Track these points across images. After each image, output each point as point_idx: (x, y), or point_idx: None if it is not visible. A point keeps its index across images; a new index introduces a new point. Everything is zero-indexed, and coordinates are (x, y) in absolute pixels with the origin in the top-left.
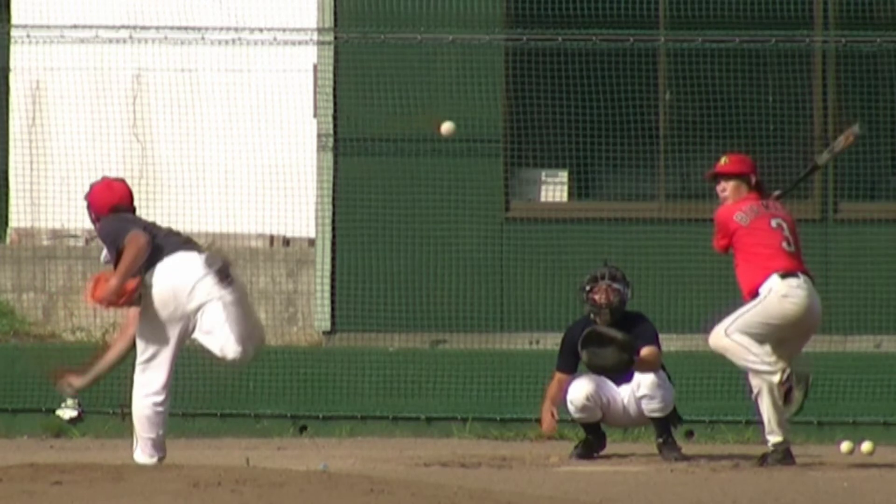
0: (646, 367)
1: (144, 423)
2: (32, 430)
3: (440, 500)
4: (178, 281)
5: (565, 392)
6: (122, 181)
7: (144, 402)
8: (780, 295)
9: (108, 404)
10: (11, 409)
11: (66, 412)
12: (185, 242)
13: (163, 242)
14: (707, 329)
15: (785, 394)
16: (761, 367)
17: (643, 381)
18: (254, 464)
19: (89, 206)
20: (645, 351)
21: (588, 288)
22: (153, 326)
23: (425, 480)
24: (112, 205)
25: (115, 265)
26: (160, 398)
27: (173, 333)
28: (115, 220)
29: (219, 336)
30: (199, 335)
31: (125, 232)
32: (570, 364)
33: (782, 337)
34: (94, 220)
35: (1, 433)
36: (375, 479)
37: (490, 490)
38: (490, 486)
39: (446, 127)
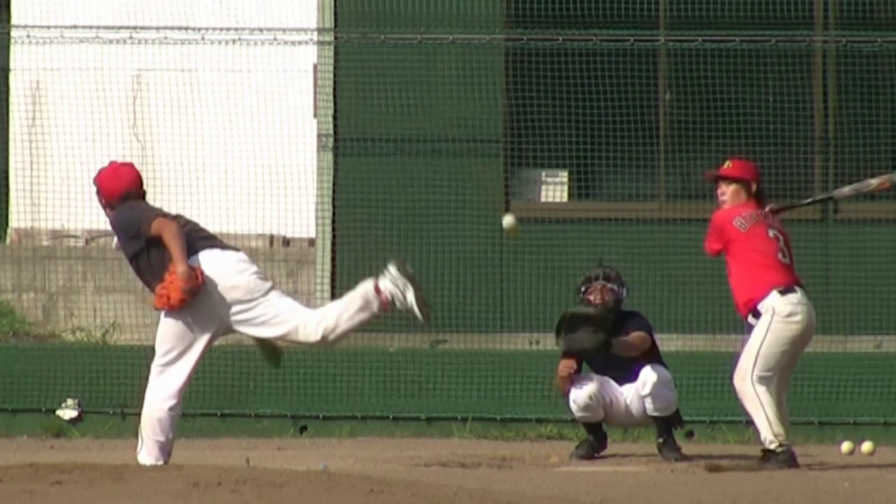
0: (629, 347)
1: (155, 425)
2: (32, 430)
3: (440, 500)
4: (214, 277)
5: (568, 392)
6: (131, 165)
7: (159, 406)
8: (784, 315)
9: (108, 404)
10: (11, 409)
11: (67, 412)
12: (207, 238)
13: (188, 236)
14: (708, 329)
15: (766, 460)
16: (768, 428)
17: (647, 380)
18: (254, 464)
19: (99, 192)
20: (633, 335)
21: (583, 289)
22: (180, 326)
23: (425, 480)
24: (123, 191)
25: (129, 255)
26: (174, 402)
27: (201, 335)
28: (131, 210)
29: (293, 321)
30: (252, 328)
31: (143, 221)
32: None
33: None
34: (105, 206)
35: (1, 433)
36: (375, 479)
37: (490, 490)
38: (490, 486)
39: (508, 221)
